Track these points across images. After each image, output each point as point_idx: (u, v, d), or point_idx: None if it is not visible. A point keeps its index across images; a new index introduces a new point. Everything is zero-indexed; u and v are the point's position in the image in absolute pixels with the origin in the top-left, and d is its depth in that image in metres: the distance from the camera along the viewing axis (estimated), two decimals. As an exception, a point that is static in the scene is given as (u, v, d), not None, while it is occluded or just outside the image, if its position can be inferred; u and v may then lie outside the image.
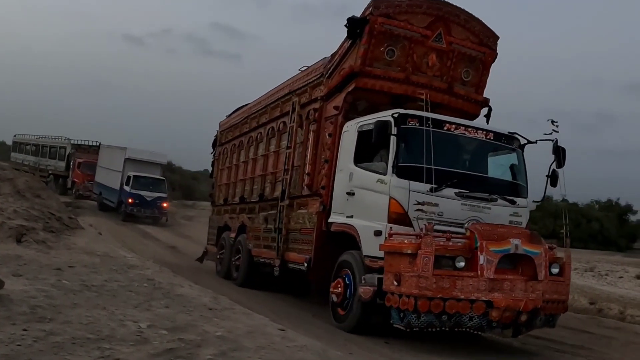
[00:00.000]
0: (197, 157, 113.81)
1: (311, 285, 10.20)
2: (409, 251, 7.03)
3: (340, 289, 8.29)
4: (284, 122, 11.24)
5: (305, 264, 9.25)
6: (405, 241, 7.20)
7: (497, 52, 9.88)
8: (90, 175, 31.28)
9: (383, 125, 7.84)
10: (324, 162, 9.32)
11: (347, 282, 8.24)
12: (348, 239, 8.40)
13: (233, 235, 13.18)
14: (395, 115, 7.95)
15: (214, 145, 15.96)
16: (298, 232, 9.83)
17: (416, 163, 7.74)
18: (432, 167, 7.56)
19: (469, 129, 8.38)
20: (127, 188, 26.52)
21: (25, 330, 4.75)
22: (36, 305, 5.57)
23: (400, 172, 7.76)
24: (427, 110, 7.58)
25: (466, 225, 7.65)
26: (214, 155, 15.97)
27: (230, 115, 15.33)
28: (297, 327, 7.29)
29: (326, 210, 9.07)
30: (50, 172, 35.09)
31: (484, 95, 10.01)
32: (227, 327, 5.89)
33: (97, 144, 33.40)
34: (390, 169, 7.82)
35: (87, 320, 5.33)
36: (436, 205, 7.55)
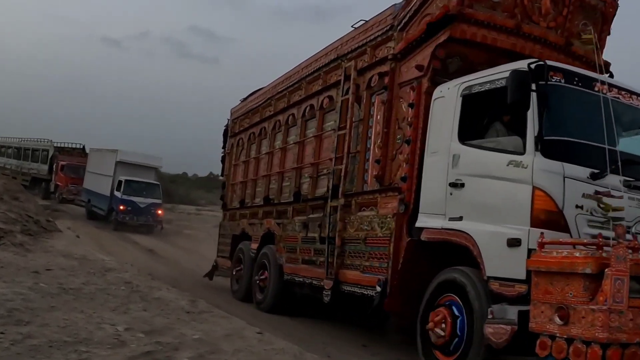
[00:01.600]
0: (176, 160, 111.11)
1: (383, 316, 7.42)
2: (587, 270, 4.41)
3: (445, 323, 5.61)
4: (330, 97, 8.60)
5: (378, 288, 6.56)
6: (578, 254, 4.56)
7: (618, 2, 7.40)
8: (74, 179, 28.88)
9: (522, 78, 5.23)
10: (403, 144, 6.70)
11: (456, 314, 5.58)
12: (453, 251, 5.76)
13: (255, 246, 10.48)
14: (533, 66, 5.34)
15: (225, 136, 13.25)
16: (361, 242, 7.16)
17: (566, 136, 5.19)
18: (593, 143, 5.06)
19: (633, 96, 5.85)
20: (118, 194, 23.72)
21: (2, 333, 4.75)
22: (13, 308, 5.56)
23: (547, 149, 5.14)
24: (597, 55, 5.04)
25: (636, 228, 5.10)
26: (224, 149, 13.24)
27: (245, 99, 12.69)
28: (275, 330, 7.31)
29: (409, 211, 6.43)
30: (32, 175, 32.79)
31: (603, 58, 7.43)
32: (204, 330, 5.95)
33: (81, 146, 30.71)
34: (531, 145, 5.19)
35: (64, 323, 5.34)
36: (620, 197, 4.92)
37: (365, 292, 6.90)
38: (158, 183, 25.17)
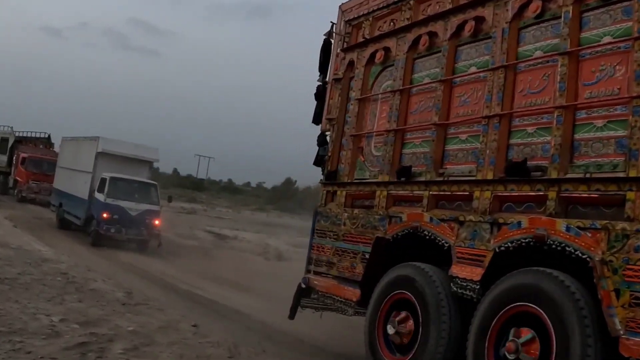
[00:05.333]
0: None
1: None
2: None
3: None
4: None
5: None
6: None
7: None
8: (37, 174, 23.31)
9: None
10: None
11: None
12: None
13: (477, 275, 4.63)
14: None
15: (325, 54, 7.71)
16: None
17: None
18: None
19: None
20: (100, 197, 17.29)
21: None
22: (-54, 297, 5.53)
23: None
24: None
25: None
26: (323, 74, 7.72)
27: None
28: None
29: None
30: None
31: None
32: (139, 322, 6.13)
33: (46, 135, 24.52)
34: None
35: (-2, 312, 5.30)
36: None
37: None
38: (155, 183, 18.67)
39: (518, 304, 4.46)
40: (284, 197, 64.91)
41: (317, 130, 7.70)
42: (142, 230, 17.38)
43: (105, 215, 16.95)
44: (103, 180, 17.47)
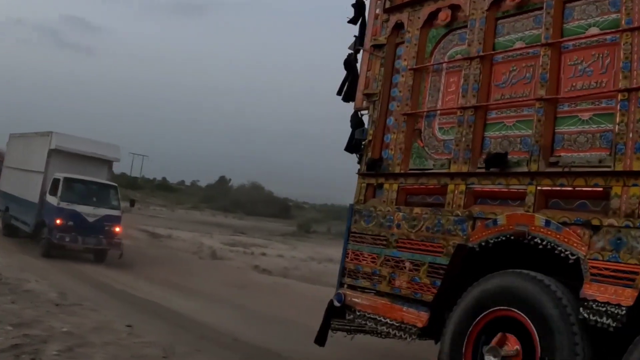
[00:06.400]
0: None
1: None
2: None
3: None
4: None
5: None
6: None
7: None
8: None
9: None
10: None
11: None
12: None
13: (627, 298, 3.59)
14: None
15: (360, 12, 6.33)
16: None
17: None
18: None
19: None
20: (52, 200, 15.26)
21: None
22: None
23: None
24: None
25: None
26: (359, 40, 6.26)
27: None
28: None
29: None
30: None
31: None
32: (73, 323, 6.12)
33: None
34: None
35: None
36: None
37: None
38: (115, 185, 16.67)
39: None
40: (218, 195, 64.49)
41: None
42: (101, 238, 15.44)
43: (58, 221, 14.97)
44: (56, 181, 15.47)
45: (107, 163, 17.15)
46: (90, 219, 15.33)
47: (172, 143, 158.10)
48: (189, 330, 7.73)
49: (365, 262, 5.47)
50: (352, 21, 6.34)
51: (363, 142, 5.92)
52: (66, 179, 15.45)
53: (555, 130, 4.31)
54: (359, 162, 6.01)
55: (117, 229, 15.82)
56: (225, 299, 11.44)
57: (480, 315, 4.25)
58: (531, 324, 3.92)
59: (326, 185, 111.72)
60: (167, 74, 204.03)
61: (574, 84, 4.30)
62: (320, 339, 5.71)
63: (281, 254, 22.55)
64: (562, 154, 4.24)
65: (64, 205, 15.11)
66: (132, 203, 19.51)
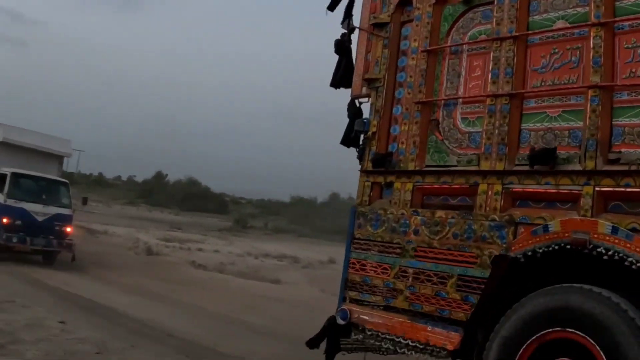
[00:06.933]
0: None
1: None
2: None
3: None
4: None
5: None
6: None
7: None
8: None
9: None
10: None
11: None
12: None
13: None
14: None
15: None
16: None
17: None
18: None
19: None
20: (-1, 198, 14.03)
21: None
22: None
23: None
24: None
25: None
26: (348, 18, 5.44)
27: None
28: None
29: None
30: None
31: None
32: (5, 320, 6.07)
33: None
34: None
35: None
36: None
37: None
38: (66, 181, 15.54)
39: None
40: (155, 190, 64.37)
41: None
42: (51, 239, 14.32)
43: (5, 220, 13.81)
44: (2, 177, 14.28)
45: (58, 158, 16.01)
46: (40, 218, 14.28)
47: (109, 138, 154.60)
48: (123, 326, 7.72)
49: (374, 273, 4.77)
50: (331, 7, 5.56)
51: (365, 135, 5.22)
52: (14, 175, 14.31)
53: (613, 123, 3.72)
54: (358, 158, 5.31)
55: (69, 229, 14.83)
56: (161, 294, 11.37)
57: (532, 338, 3.61)
58: (600, 351, 3.30)
59: (263, 181, 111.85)
60: (101, 67, 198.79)
61: (633, 70, 3.70)
62: (313, 344, 5.02)
63: (218, 250, 22.41)
64: (622, 149, 3.65)
65: (10, 202, 14.01)
66: (85, 201, 18.36)
